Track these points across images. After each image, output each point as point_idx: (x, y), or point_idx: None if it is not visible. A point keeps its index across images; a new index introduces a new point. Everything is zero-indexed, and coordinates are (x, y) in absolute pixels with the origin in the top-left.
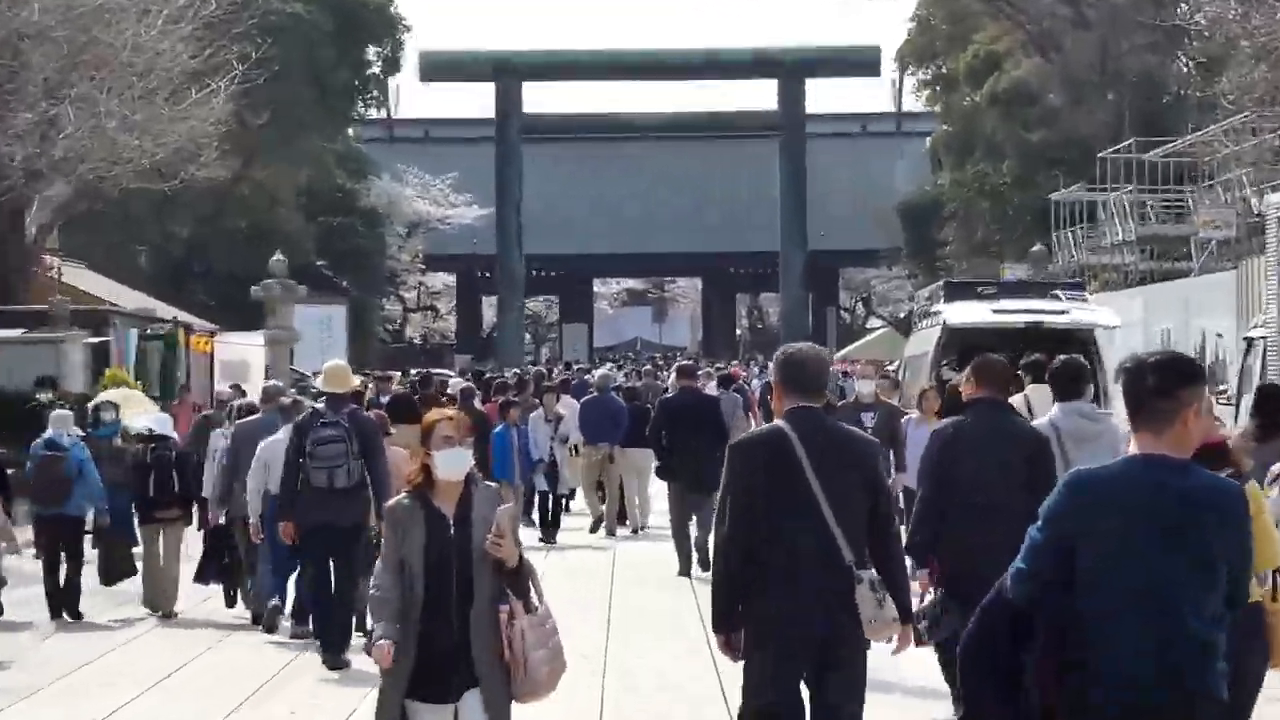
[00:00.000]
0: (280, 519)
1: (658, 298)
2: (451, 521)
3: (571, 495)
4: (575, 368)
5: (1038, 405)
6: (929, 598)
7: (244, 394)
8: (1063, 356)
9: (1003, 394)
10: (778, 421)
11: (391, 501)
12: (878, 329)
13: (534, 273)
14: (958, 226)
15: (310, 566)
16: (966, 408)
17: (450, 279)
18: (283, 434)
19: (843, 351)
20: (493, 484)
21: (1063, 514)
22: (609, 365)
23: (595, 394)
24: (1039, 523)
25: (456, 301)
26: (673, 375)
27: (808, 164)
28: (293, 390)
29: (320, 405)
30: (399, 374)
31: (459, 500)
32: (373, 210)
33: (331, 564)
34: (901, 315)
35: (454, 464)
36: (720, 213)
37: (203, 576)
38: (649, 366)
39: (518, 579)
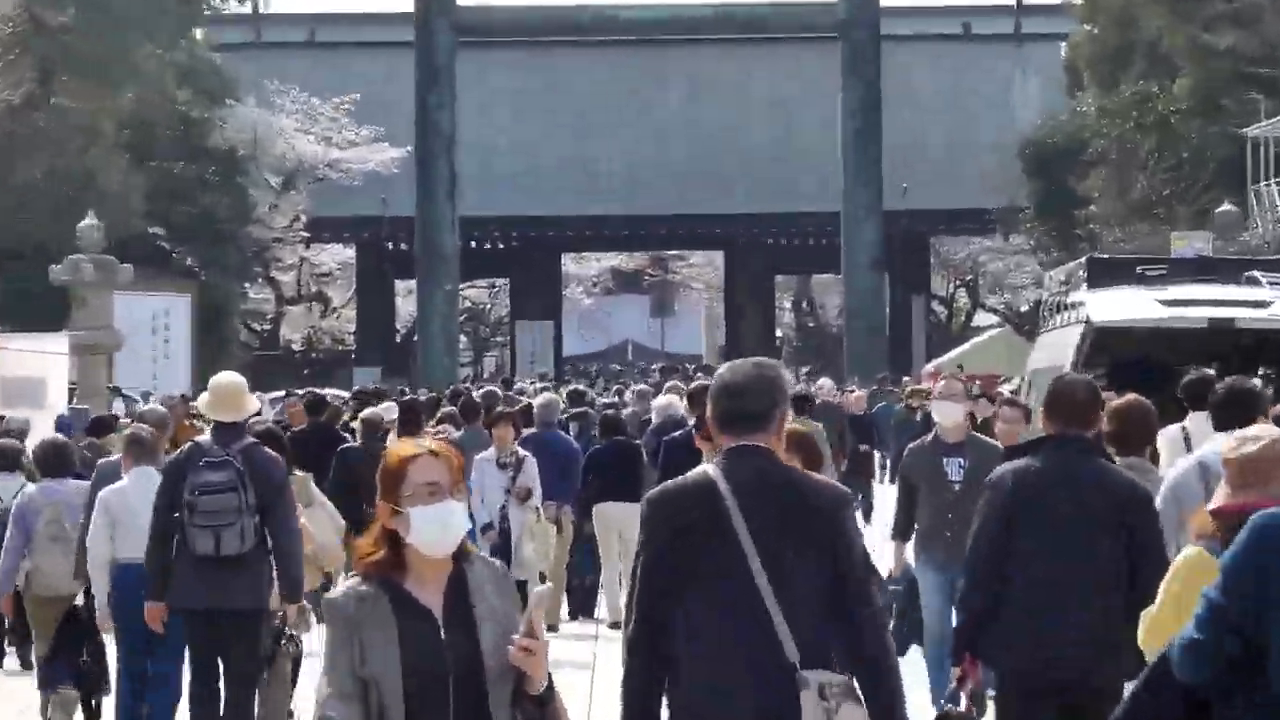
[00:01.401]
0: (148, 599)
1: (658, 282)
2: (441, 621)
3: (542, 580)
4: (536, 386)
5: (1199, 441)
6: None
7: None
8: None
9: (1084, 428)
10: (705, 466)
11: (337, 592)
12: (989, 328)
13: (473, 244)
14: (1107, 176)
15: (192, 673)
16: (1031, 448)
17: (348, 254)
18: (131, 479)
19: (936, 361)
20: (493, 560)
21: (1249, 571)
22: (567, 387)
23: (534, 430)
24: (1219, 581)
25: (357, 288)
26: (659, 398)
27: (883, 85)
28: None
29: (204, 437)
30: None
31: (450, 584)
32: (231, 152)
33: (220, 667)
34: (1024, 308)
35: (443, 528)
36: (751, 156)
37: (50, 679)
38: (643, 386)
39: (543, 715)
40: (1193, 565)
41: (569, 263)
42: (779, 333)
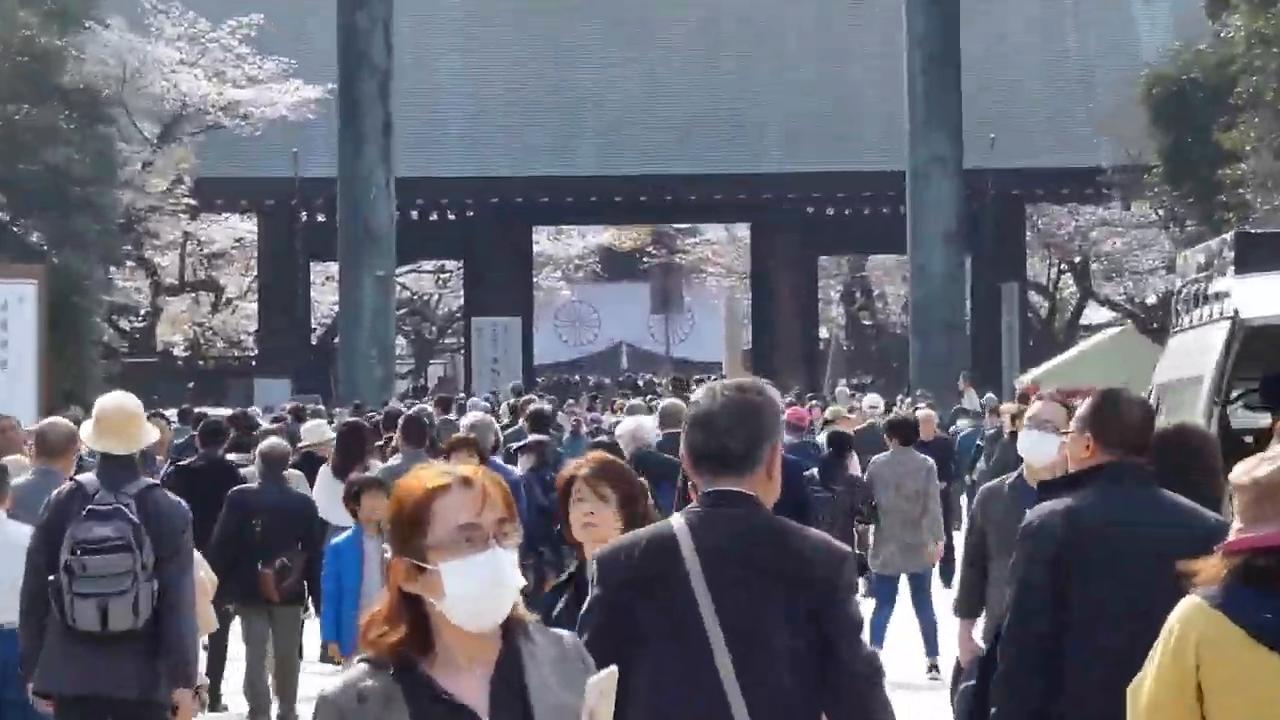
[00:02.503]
0: (26, 680)
1: (662, 265)
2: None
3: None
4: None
5: None
6: None
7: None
8: None
9: (1141, 454)
10: (673, 517)
11: (333, 687)
12: (1104, 326)
13: (415, 215)
14: (1261, 125)
15: None
16: (1074, 483)
17: (248, 228)
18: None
19: (1035, 371)
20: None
21: None
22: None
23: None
24: None
25: (259, 274)
26: (626, 421)
27: (962, 3)
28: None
29: (88, 477)
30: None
31: (498, 671)
32: (91, 92)
33: None
34: (1150, 300)
35: (488, 590)
36: (786, 98)
37: None
38: (636, 401)
39: None
40: (1187, 623)
41: (543, 240)
42: (824, 332)
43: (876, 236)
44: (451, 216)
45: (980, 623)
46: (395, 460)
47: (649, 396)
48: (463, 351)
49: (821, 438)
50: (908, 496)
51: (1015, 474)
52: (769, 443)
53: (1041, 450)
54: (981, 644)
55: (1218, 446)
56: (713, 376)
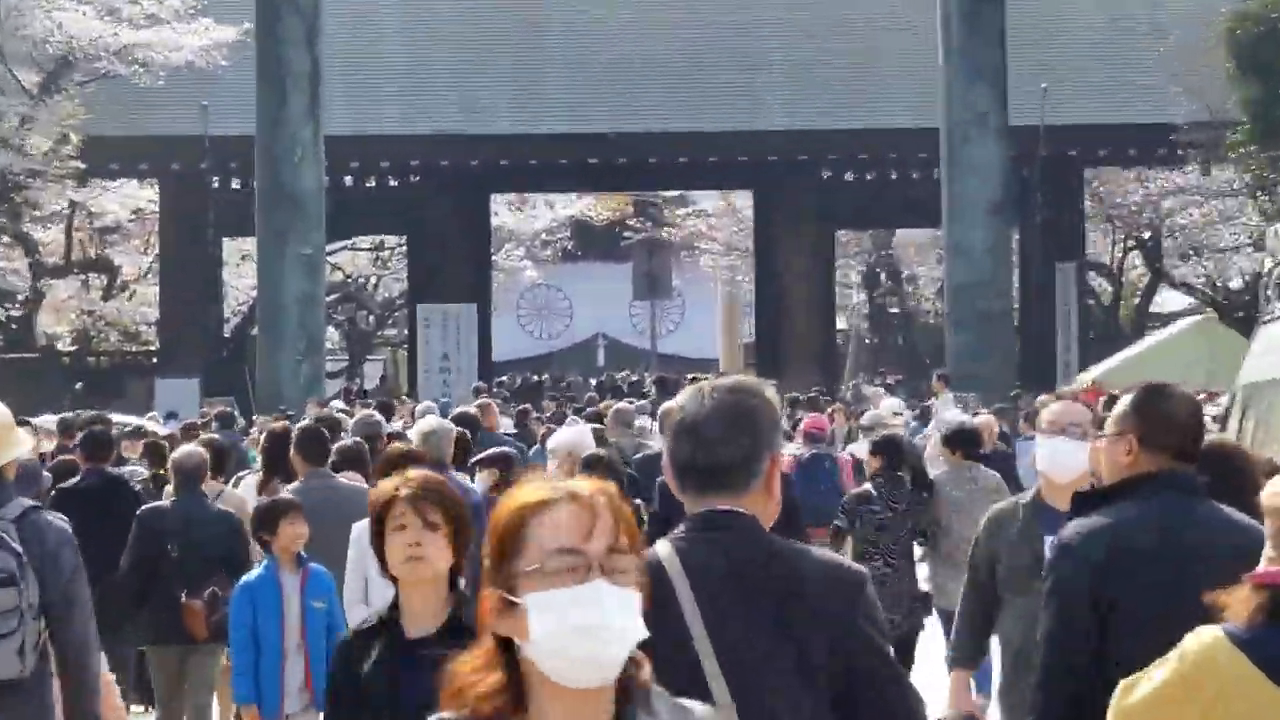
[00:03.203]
0: None
1: (646, 242)
2: None
3: None
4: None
5: None
6: None
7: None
8: None
9: (1190, 462)
10: (659, 544)
11: None
12: (1180, 314)
13: (349, 182)
14: None
15: None
16: (1121, 494)
17: (148, 197)
18: None
19: (1095, 371)
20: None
21: None
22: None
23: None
24: None
25: (162, 253)
26: (561, 432)
27: None
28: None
29: None
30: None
31: None
32: None
33: None
34: (1235, 283)
35: (589, 636)
36: (794, 41)
37: None
38: (622, 406)
39: None
40: (1204, 656)
41: (503, 211)
42: (842, 323)
43: (905, 207)
44: (392, 183)
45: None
46: (296, 484)
47: (632, 400)
48: (406, 346)
49: (857, 448)
50: (978, 520)
51: (1030, 492)
52: (768, 452)
53: (1066, 461)
54: (981, 699)
55: (1258, 465)
56: (708, 376)
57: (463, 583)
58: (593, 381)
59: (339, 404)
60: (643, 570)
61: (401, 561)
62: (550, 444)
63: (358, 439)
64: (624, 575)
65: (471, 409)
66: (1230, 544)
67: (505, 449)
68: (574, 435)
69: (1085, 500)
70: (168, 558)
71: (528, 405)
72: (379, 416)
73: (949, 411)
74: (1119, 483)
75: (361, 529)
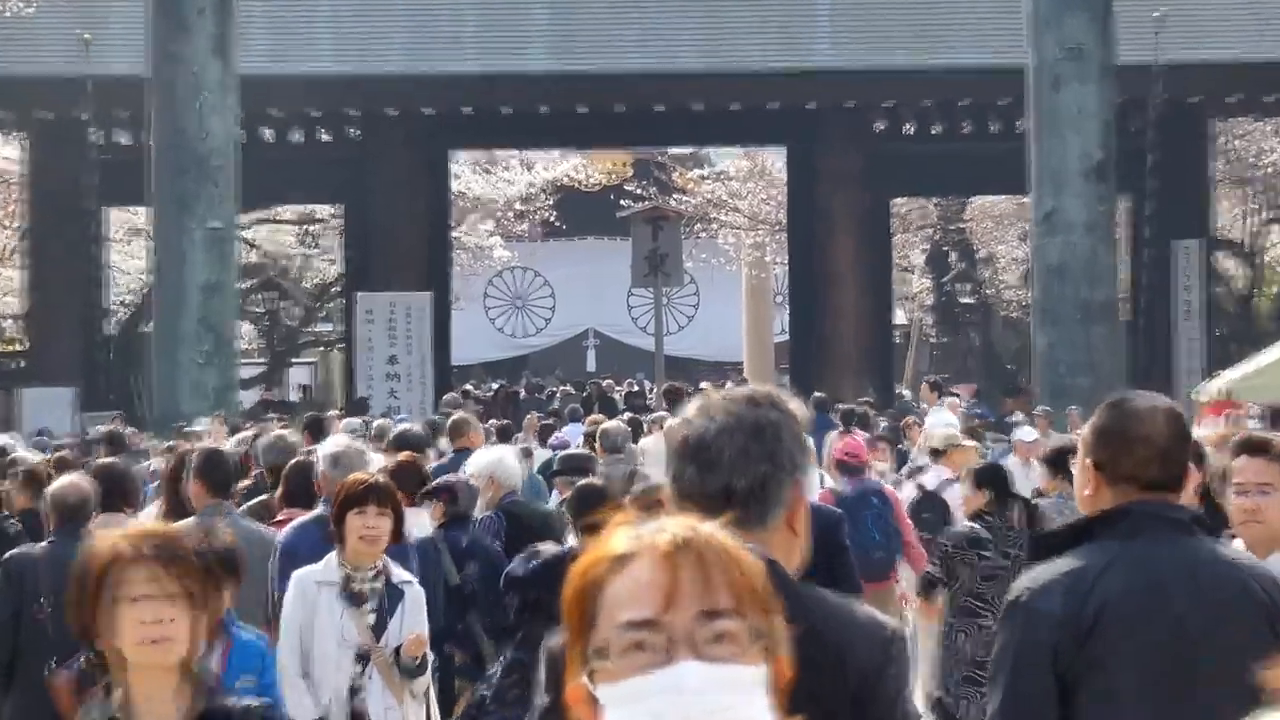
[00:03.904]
0: None
1: (651, 213)
2: None
3: None
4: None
5: None
6: None
7: None
8: None
9: (1173, 490)
10: None
11: None
12: None
13: (268, 135)
14: None
15: None
16: (1084, 534)
17: (11, 156)
18: None
19: (1226, 376)
20: None
21: None
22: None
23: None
24: None
25: (29, 226)
26: (479, 456)
27: None
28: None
29: None
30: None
31: None
32: None
33: None
34: None
35: None
36: None
37: None
38: (616, 425)
39: None
40: None
41: (466, 173)
42: (901, 315)
43: (981, 169)
44: (325, 137)
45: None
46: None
47: (629, 413)
48: (342, 345)
49: (926, 479)
50: None
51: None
52: (792, 479)
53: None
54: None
55: None
56: (730, 382)
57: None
58: (556, 390)
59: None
60: (774, 638)
61: (136, 644)
62: (468, 466)
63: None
64: (725, 648)
65: (417, 427)
66: (1213, 589)
67: (454, 477)
68: (492, 459)
69: (1046, 542)
70: (34, 618)
71: (508, 421)
72: (293, 440)
73: (940, 418)
74: (1083, 521)
75: (302, 579)
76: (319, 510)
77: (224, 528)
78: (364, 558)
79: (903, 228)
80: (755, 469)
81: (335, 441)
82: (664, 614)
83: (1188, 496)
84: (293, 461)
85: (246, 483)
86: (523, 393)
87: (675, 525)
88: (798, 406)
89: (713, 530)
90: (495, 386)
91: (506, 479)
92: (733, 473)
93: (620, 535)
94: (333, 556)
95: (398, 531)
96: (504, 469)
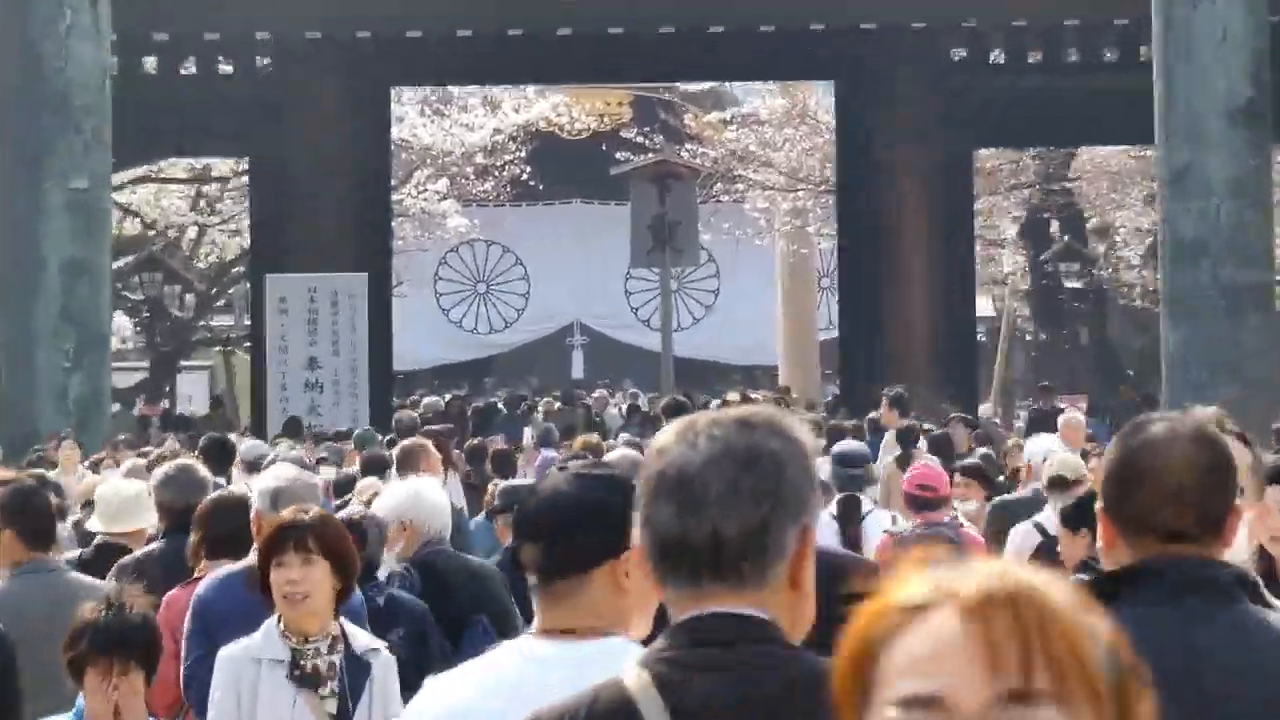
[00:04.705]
0: None
1: (655, 169)
2: None
3: None
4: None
5: None
6: None
7: None
8: None
9: (1209, 541)
10: (626, 672)
11: None
12: None
13: (150, 68)
14: None
15: None
16: (1109, 591)
17: None
18: None
19: None
20: None
21: None
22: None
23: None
24: None
25: None
26: (388, 494)
27: None
28: None
29: None
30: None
31: None
32: None
33: None
34: None
35: None
36: None
37: None
38: (620, 452)
39: None
40: None
41: (412, 116)
42: (988, 304)
43: (1093, 113)
44: (225, 69)
45: None
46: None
47: (628, 434)
48: (248, 343)
49: (1045, 519)
50: None
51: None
52: (797, 524)
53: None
54: None
55: None
56: (762, 394)
57: None
58: (535, 403)
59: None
60: None
61: None
62: (374, 508)
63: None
64: None
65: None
66: (1258, 667)
67: (360, 510)
68: (404, 497)
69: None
70: None
71: (480, 440)
72: (202, 472)
73: (1040, 444)
74: (1099, 578)
75: (235, 659)
76: (253, 558)
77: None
78: (304, 624)
79: (989, 189)
80: (750, 510)
81: (277, 473)
82: (955, 691)
83: (1239, 548)
84: (212, 498)
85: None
86: (501, 406)
87: (988, 570)
88: (806, 433)
89: (1042, 579)
90: (446, 399)
91: (427, 523)
92: (721, 515)
93: (913, 579)
94: (272, 625)
95: (346, 581)
96: (423, 509)
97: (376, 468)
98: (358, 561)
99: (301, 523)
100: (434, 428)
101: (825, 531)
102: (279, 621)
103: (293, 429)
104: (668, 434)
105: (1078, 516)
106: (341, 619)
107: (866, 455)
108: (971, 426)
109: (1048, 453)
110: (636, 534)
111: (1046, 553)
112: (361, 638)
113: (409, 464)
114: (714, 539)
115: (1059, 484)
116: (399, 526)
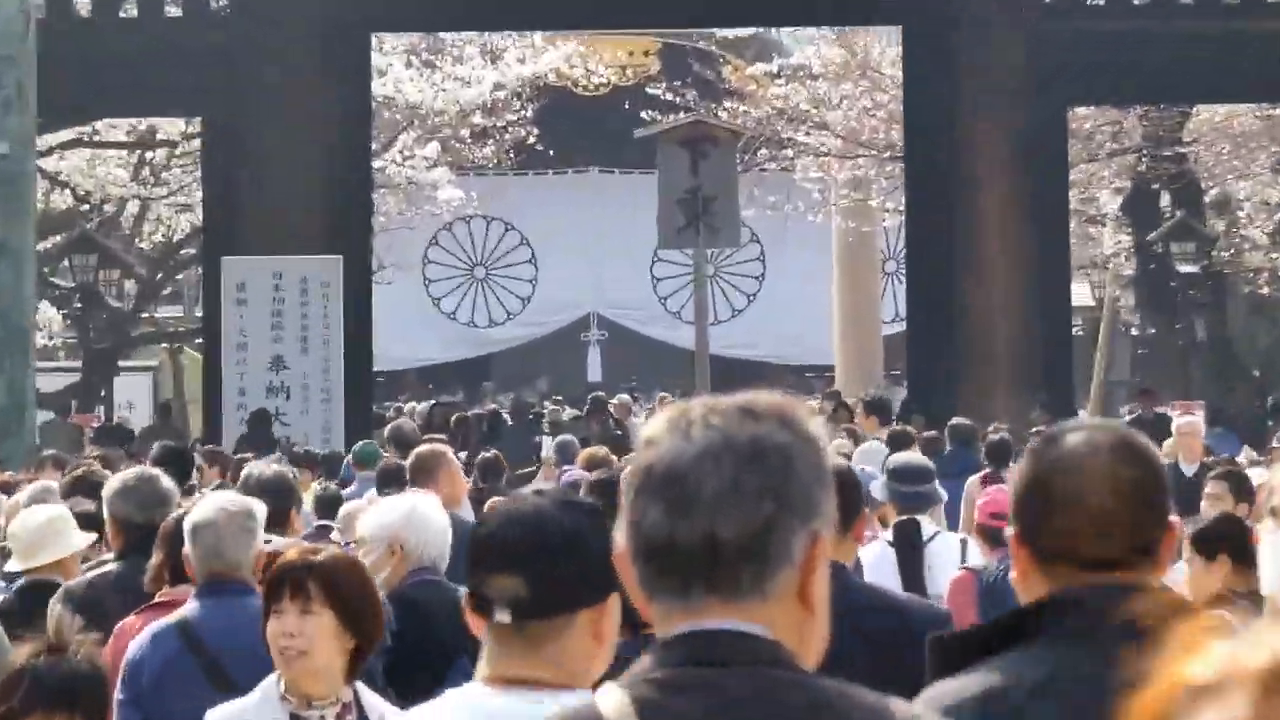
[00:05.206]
0: None
1: (684, 131)
2: None
3: None
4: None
5: None
6: None
7: None
8: None
9: (1137, 569)
10: (602, 695)
11: None
12: None
13: (80, 7)
14: None
15: None
16: (1010, 634)
17: None
18: None
19: None
20: None
21: None
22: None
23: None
24: None
25: None
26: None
27: None
28: None
29: None
30: None
31: None
32: None
33: None
34: None
35: None
36: None
37: None
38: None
39: None
40: None
41: (397, 68)
42: (1086, 292)
43: (1209, 63)
44: (173, 10)
45: None
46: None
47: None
48: (200, 340)
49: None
50: None
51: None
52: (806, 528)
53: None
54: None
55: None
56: (817, 398)
57: None
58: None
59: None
60: None
61: None
62: (360, 528)
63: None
64: None
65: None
66: None
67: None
68: (398, 515)
69: (947, 650)
70: None
71: (493, 453)
72: (166, 484)
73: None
74: (1010, 615)
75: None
76: (188, 609)
77: None
78: (305, 685)
79: (1087, 154)
80: (751, 511)
81: (213, 501)
82: None
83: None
84: (177, 516)
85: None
86: (507, 416)
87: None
88: (818, 425)
89: None
90: (429, 406)
91: (421, 549)
92: (717, 516)
93: (1201, 651)
94: (272, 683)
95: (361, 639)
96: (418, 531)
97: (392, 481)
98: (380, 615)
99: (303, 564)
100: (435, 436)
101: (882, 565)
102: (279, 680)
103: (259, 432)
104: (657, 423)
105: (1210, 542)
106: (358, 684)
107: (929, 470)
108: None
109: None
110: (620, 542)
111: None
112: (378, 707)
113: (426, 473)
114: (708, 543)
115: None
116: (388, 551)
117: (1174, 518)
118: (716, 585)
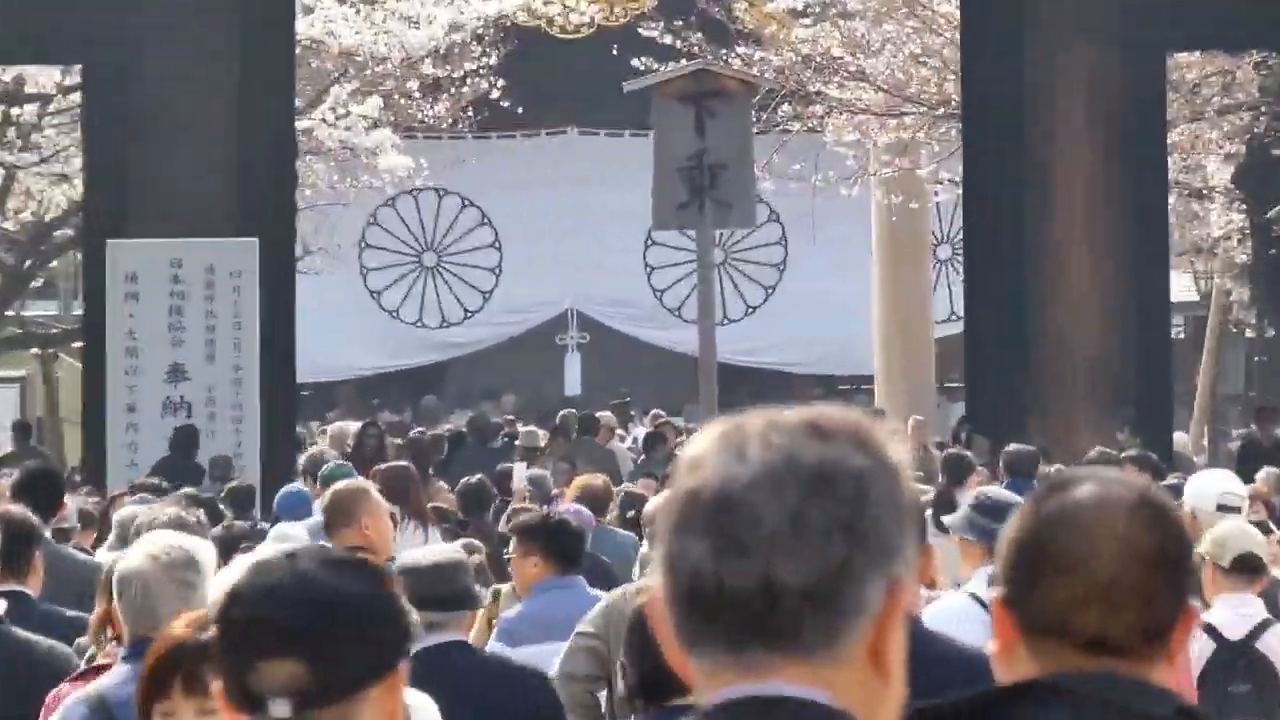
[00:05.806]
0: None
1: (685, 84)
2: None
3: None
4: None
5: None
6: None
7: None
8: None
9: (1141, 656)
10: None
11: None
12: None
13: None
14: None
15: None
16: (999, 713)
17: None
18: None
19: None
20: None
21: None
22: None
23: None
24: None
25: None
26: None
27: None
28: None
29: None
30: None
31: None
32: None
33: None
34: None
35: None
36: None
37: None
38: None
39: None
40: None
41: (331, 5)
42: (1188, 284)
43: None
44: None
45: None
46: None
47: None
48: (82, 344)
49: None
50: None
51: None
52: (884, 574)
53: None
54: None
55: None
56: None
57: None
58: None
59: None
60: None
61: None
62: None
63: None
64: None
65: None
66: None
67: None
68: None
69: None
70: None
71: (479, 478)
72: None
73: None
74: (975, 698)
75: None
76: (108, 680)
77: None
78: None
79: (1191, 112)
80: (819, 551)
81: (144, 547)
82: None
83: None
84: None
85: None
86: (468, 436)
87: None
88: (898, 448)
89: None
90: (359, 428)
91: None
92: (776, 555)
93: None
94: None
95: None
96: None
97: (478, 505)
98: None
99: (195, 644)
100: (396, 464)
101: (970, 620)
102: None
103: (182, 456)
104: (705, 440)
105: None
106: None
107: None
108: (1153, 470)
109: (1222, 495)
110: (655, 581)
111: (1223, 669)
112: None
113: (342, 520)
114: (766, 589)
115: (1245, 567)
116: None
117: (1195, 602)
118: (774, 640)
